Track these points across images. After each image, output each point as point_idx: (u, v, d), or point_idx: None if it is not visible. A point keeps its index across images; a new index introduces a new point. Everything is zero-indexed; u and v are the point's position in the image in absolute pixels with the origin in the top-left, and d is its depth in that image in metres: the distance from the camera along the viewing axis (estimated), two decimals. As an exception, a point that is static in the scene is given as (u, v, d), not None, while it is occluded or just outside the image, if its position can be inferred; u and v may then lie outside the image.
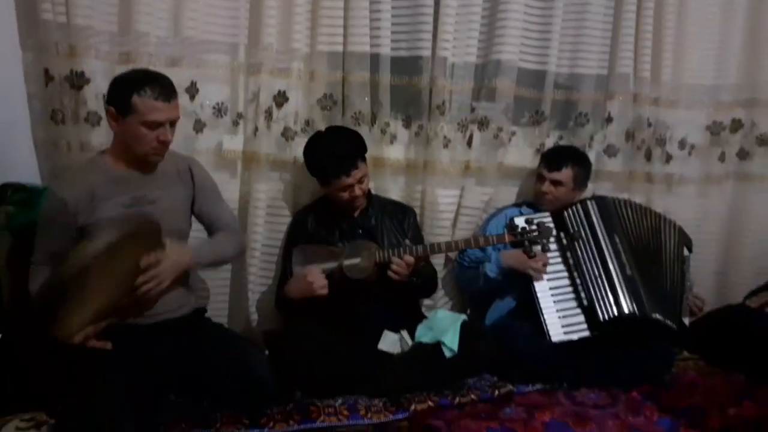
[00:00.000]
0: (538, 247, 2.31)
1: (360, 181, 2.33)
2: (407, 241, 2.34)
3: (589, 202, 2.56)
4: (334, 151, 2.31)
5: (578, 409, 2.15)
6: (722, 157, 3.09)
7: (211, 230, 2.17)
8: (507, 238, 2.32)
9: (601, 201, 2.59)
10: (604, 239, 2.48)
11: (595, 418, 2.08)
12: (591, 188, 2.86)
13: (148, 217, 1.84)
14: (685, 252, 2.65)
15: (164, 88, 1.88)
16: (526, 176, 2.86)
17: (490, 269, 2.51)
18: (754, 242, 3.15)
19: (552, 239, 2.35)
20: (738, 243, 3.16)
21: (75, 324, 1.71)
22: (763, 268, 3.07)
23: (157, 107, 1.85)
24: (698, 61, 2.97)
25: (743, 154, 3.10)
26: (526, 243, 2.29)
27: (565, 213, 2.55)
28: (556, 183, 2.59)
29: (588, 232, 2.50)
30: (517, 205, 2.78)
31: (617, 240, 2.48)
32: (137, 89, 1.84)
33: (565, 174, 2.59)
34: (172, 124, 1.93)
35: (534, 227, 2.29)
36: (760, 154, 3.08)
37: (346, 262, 2.27)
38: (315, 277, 2.21)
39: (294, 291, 2.27)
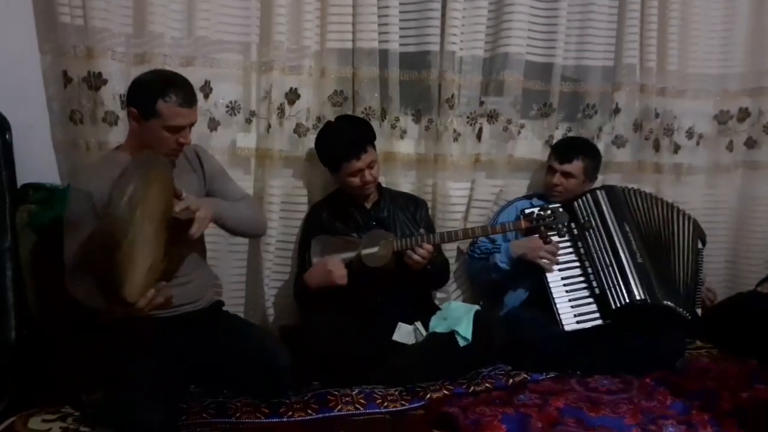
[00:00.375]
0: (554, 235, 2.34)
1: (370, 167, 2.37)
2: (422, 230, 2.38)
3: (598, 192, 2.59)
4: (344, 135, 2.38)
5: (591, 394, 2.18)
6: (730, 147, 3.11)
7: None
8: (523, 224, 2.35)
9: (610, 190, 2.61)
10: (614, 228, 2.51)
11: (608, 403, 2.10)
12: (601, 179, 2.88)
13: (154, 153, 1.82)
14: (699, 245, 2.67)
15: (187, 94, 1.91)
16: (536, 169, 2.89)
17: (500, 260, 2.54)
18: (764, 230, 3.16)
19: (565, 225, 2.38)
20: (748, 231, 3.17)
21: (136, 282, 1.68)
22: (774, 257, 3.08)
23: (181, 113, 1.89)
24: (703, 51, 3.00)
25: (751, 143, 3.12)
26: (542, 228, 2.32)
27: (575, 203, 2.58)
28: (566, 175, 2.62)
29: (598, 221, 2.53)
30: (527, 197, 2.81)
31: (627, 228, 2.51)
32: (162, 95, 1.86)
33: (576, 166, 2.62)
34: (191, 126, 1.98)
35: (549, 212, 2.33)
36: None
37: (365, 252, 2.32)
38: (335, 266, 2.26)
39: (313, 279, 2.31)
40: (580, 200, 2.58)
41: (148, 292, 1.73)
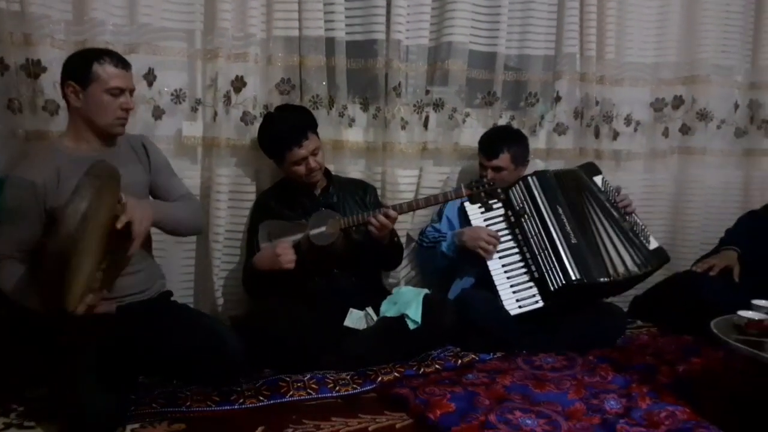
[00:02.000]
0: (495, 202, 2.44)
1: (314, 154, 2.39)
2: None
3: (529, 178, 2.64)
4: (284, 124, 2.39)
5: (537, 372, 2.25)
6: (666, 133, 3.23)
7: None
8: (464, 191, 2.39)
9: (542, 175, 2.66)
10: (546, 212, 2.57)
11: (553, 379, 2.17)
12: (543, 166, 2.97)
13: (108, 163, 1.80)
14: (599, 179, 2.73)
15: (120, 58, 1.96)
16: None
17: (445, 247, 2.60)
18: (699, 213, 3.29)
19: (504, 189, 2.45)
20: (684, 214, 3.29)
21: (77, 293, 1.67)
22: (709, 238, 3.19)
23: (118, 74, 1.92)
24: (639, 40, 3.12)
25: (685, 129, 3.24)
26: (482, 195, 2.38)
27: (510, 191, 2.63)
28: (497, 169, 2.66)
29: (531, 207, 2.59)
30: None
31: (560, 211, 2.57)
32: (96, 59, 1.90)
33: (503, 159, 2.66)
34: (131, 93, 1.98)
35: (487, 180, 2.39)
36: (701, 128, 3.22)
37: (313, 232, 2.33)
38: (284, 250, 2.26)
39: (262, 263, 2.31)
40: (514, 188, 2.64)
41: (87, 298, 1.72)
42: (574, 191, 2.65)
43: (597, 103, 3.05)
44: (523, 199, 2.61)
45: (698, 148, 3.25)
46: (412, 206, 2.46)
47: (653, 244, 2.67)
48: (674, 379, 2.20)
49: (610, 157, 3.12)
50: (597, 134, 3.08)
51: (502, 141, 2.70)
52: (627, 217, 2.66)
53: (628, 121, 3.15)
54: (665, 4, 3.12)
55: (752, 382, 1.96)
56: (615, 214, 2.63)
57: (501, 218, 2.64)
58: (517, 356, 2.39)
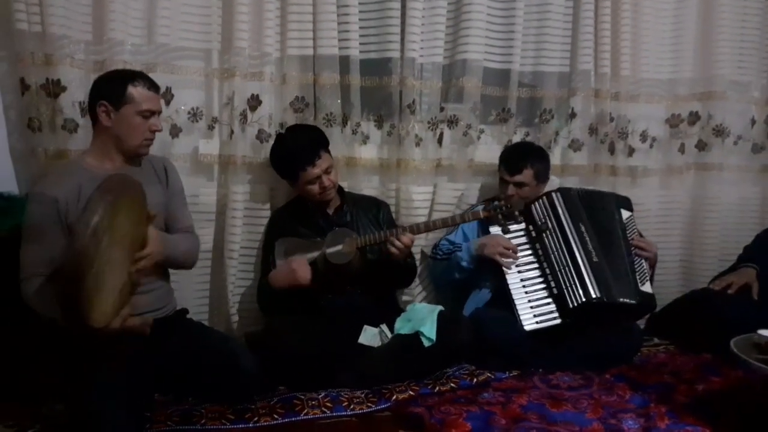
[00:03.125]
0: (512, 223, 2.44)
1: (327, 172, 2.40)
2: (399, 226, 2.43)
3: (554, 194, 2.63)
4: (296, 144, 2.40)
5: (553, 391, 2.23)
6: (682, 149, 3.21)
7: (170, 233, 2.17)
8: (481, 213, 2.40)
9: (566, 192, 2.67)
10: (569, 229, 2.56)
11: (570, 399, 2.15)
12: (558, 182, 2.95)
13: (123, 175, 1.82)
14: (626, 214, 2.72)
15: (151, 81, 2.01)
16: (496, 172, 2.92)
17: (462, 258, 2.58)
18: (716, 230, 3.26)
19: (522, 211, 2.45)
20: (701, 231, 3.26)
21: (104, 311, 1.67)
22: (726, 255, 3.17)
23: (150, 97, 1.98)
24: (655, 57, 3.11)
25: (701, 146, 3.22)
26: (500, 217, 2.38)
27: (532, 206, 2.63)
28: (519, 185, 2.65)
29: (554, 223, 2.58)
30: (489, 200, 2.86)
31: (582, 229, 2.57)
32: (131, 81, 1.95)
33: (526, 175, 2.65)
34: (159, 114, 2.03)
35: (503, 202, 2.40)
36: (717, 144, 3.20)
37: (329, 250, 2.34)
38: (299, 265, 2.27)
39: (278, 280, 2.32)
40: (536, 203, 2.63)
41: (122, 311, 1.73)
42: (601, 212, 2.65)
43: (612, 119, 3.04)
44: (545, 214, 2.60)
45: (715, 164, 3.22)
46: (429, 227, 2.47)
47: (647, 288, 2.64)
48: (693, 399, 2.17)
49: (625, 174, 3.11)
50: (612, 150, 3.07)
51: (526, 157, 2.69)
52: (635, 254, 2.65)
53: (643, 137, 3.14)
54: (680, 20, 3.12)
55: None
56: (622, 247, 2.61)
57: (521, 232, 2.63)
58: (534, 375, 2.37)
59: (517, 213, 2.40)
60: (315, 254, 2.34)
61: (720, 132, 3.19)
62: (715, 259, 3.22)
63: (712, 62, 3.15)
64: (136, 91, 1.95)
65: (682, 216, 3.27)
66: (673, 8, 3.10)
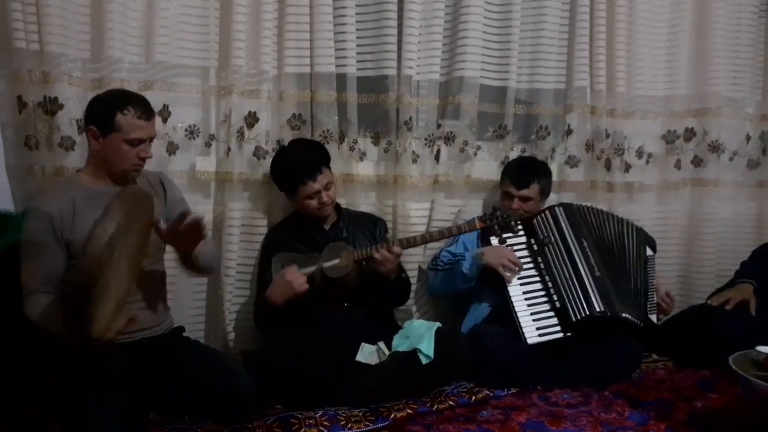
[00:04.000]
0: (510, 237, 2.45)
1: (327, 188, 2.40)
2: (388, 235, 2.45)
3: (557, 209, 2.66)
4: (298, 158, 2.41)
5: (552, 408, 2.22)
6: (678, 165, 3.23)
7: None
8: (478, 224, 2.40)
9: (568, 207, 2.69)
10: (573, 243, 2.57)
11: (569, 416, 2.14)
12: (555, 198, 2.96)
13: (139, 188, 1.85)
14: (648, 252, 2.75)
15: (145, 106, 1.96)
16: (492, 189, 2.96)
17: (465, 266, 2.57)
18: (713, 245, 3.27)
19: (518, 222, 2.45)
20: (698, 246, 3.27)
21: (105, 319, 1.66)
22: (723, 270, 3.18)
23: (140, 125, 1.93)
24: (650, 73, 3.14)
25: (697, 161, 3.24)
26: (496, 227, 2.38)
27: (534, 220, 2.65)
28: (525, 199, 2.67)
29: (557, 236, 2.60)
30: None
31: (585, 244, 2.58)
32: (120, 108, 1.91)
33: (533, 190, 2.67)
34: (150, 140, 2.00)
35: (499, 212, 2.39)
36: (713, 160, 3.22)
37: (326, 264, 2.34)
38: (294, 275, 2.26)
39: (275, 294, 2.29)
40: (539, 217, 2.65)
41: (115, 323, 1.71)
42: (609, 231, 2.68)
43: (608, 135, 3.06)
44: (548, 228, 2.61)
45: (711, 179, 3.24)
46: (425, 239, 2.47)
47: (653, 318, 2.66)
48: (692, 416, 2.16)
49: (622, 190, 3.12)
50: (609, 167, 3.08)
51: (533, 172, 2.71)
52: (652, 281, 2.68)
53: (639, 153, 3.15)
54: (675, 37, 3.15)
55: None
56: (640, 275, 2.64)
57: (523, 245, 2.63)
58: (532, 392, 2.36)
59: (513, 224, 2.40)
60: (312, 268, 2.34)
61: (716, 148, 3.20)
62: (712, 275, 3.23)
63: (707, 79, 3.18)
64: (124, 120, 1.90)
65: (678, 232, 3.28)
66: (667, 26, 3.14)
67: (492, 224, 2.38)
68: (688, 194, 3.27)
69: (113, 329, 1.70)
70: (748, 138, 3.30)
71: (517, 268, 2.54)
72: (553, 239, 2.59)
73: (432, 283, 2.78)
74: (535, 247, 2.61)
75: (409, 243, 2.40)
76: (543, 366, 2.44)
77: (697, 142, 3.23)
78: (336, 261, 2.34)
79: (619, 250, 2.67)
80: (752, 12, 3.26)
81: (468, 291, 2.63)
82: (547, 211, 2.66)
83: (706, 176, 3.24)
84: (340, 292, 2.37)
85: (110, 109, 1.91)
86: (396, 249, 2.33)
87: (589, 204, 2.86)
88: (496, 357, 2.39)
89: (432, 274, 2.76)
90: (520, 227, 2.47)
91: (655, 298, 2.69)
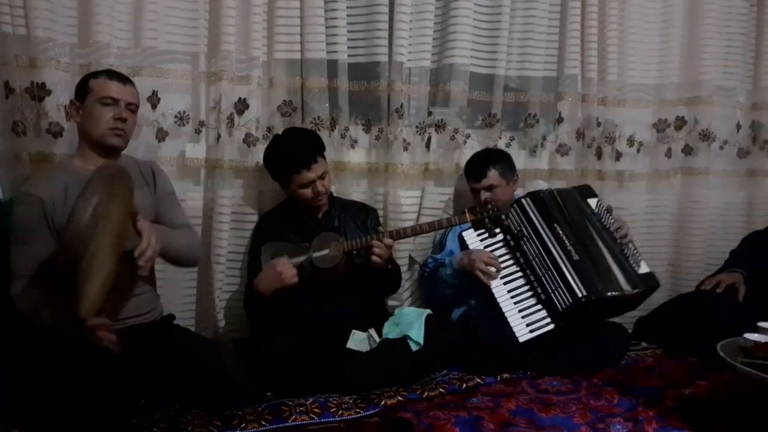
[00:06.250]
0: (499, 232, 2.46)
1: (321, 177, 2.39)
2: (380, 228, 2.41)
3: (523, 200, 2.61)
4: (293, 147, 2.39)
5: (542, 395, 2.23)
6: (669, 153, 3.23)
7: None
8: (468, 216, 2.39)
9: (535, 196, 2.63)
10: (545, 232, 2.53)
11: (558, 403, 2.15)
12: (546, 186, 2.96)
13: (117, 164, 1.86)
14: (593, 202, 2.69)
15: (119, 74, 2.03)
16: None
17: (445, 273, 2.59)
18: (703, 233, 3.28)
19: (508, 215, 2.45)
20: (688, 235, 3.28)
21: (89, 300, 1.65)
22: (713, 258, 3.19)
23: (110, 85, 1.99)
24: (641, 62, 3.13)
25: (688, 150, 3.25)
26: (487, 221, 2.37)
27: (504, 216, 2.59)
28: (489, 188, 2.67)
29: (529, 228, 2.56)
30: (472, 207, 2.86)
31: (558, 229, 2.53)
32: (94, 75, 2.02)
33: (492, 177, 2.67)
34: (131, 108, 2.01)
35: (491, 204, 2.38)
36: (704, 149, 3.22)
37: (315, 254, 2.33)
38: (284, 267, 2.25)
39: (264, 284, 2.29)
40: (510, 212, 2.60)
41: (102, 319, 1.72)
42: (572, 209, 2.62)
43: (599, 124, 3.05)
44: (519, 221, 2.58)
45: (701, 168, 3.24)
46: (416, 230, 2.45)
47: (644, 269, 2.61)
48: (681, 403, 2.17)
49: (613, 178, 3.12)
50: (599, 155, 3.08)
51: (487, 160, 2.71)
52: (619, 240, 2.62)
53: (630, 141, 3.16)
54: (666, 26, 3.15)
55: (759, 405, 1.94)
56: (605, 235, 2.59)
57: (500, 243, 2.61)
58: (522, 379, 2.38)
59: (503, 217, 2.38)
60: (301, 258, 2.33)
61: (706, 137, 3.21)
62: (702, 263, 3.24)
63: (698, 67, 3.18)
64: (96, 82, 1.98)
65: (669, 220, 3.29)
66: (659, 14, 3.13)
67: (482, 217, 2.37)
68: (678, 183, 3.28)
69: (98, 310, 1.69)
70: (739, 127, 3.31)
71: (494, 269, 2.52)
72: (525, 232, 2.55)
73: (422, 287, 2.81)
74: (512, 243, 2.59)
75: (399, 234, 2.39)
76: (532, 354, 2.44)
77: (688, 131, 3.23)
78: (325, 251, 2.34)
79: (583, 224, 2.59)
80: (743, 1, 3.25)
81: (456, 293, 2.64)
82: (515, 204, 2.62)
83: (697, 165, 3.24)
84: (329, 282, 2.37)
85: (86, 78, 2.03)
86: (387, 241, 2.33)
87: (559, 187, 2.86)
88: (488, 340, 2.40)
89: (421, 279, 2.79)
90: (509, 220, 2.46)
91: (632, 246, 2.64)
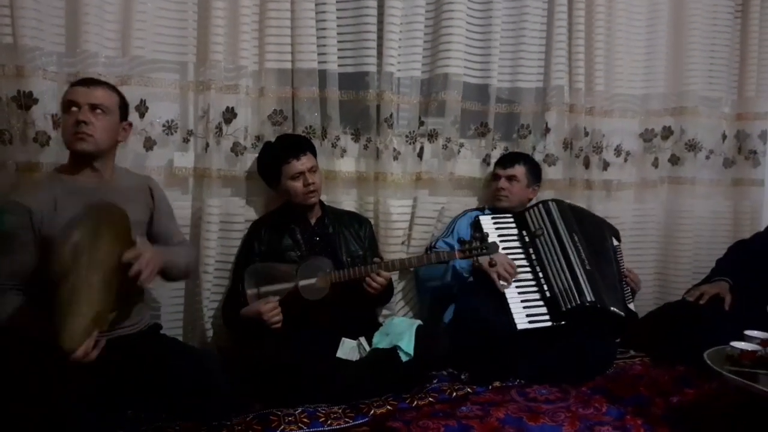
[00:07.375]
0: (503, 226, 2.61)
1: (311, 171, 2.41)
2: (360, 267, 2.38)
3: (550, 203, 2.73)
4: (283, 140, 2.47)
5: (531, 404, 2.23)
6: (656, 163, 3.27)
7: None
8: (457, 254, 2.41)
9: (560, 203, 2.77)
10: (565, 236, 2.64)
11: (547, 412, 2.16)
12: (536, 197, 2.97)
13: (112, 204, 1.83)
14: (615, 242, 2.83)
15: (92, 80, 2.02)
16: (477, 186, 3.00)
17: (459, 265, 2.59)
18: (690, 242, 3.31)
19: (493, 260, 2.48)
20: (675, 244, 3.31)
21: (75, 334, 1.63)
22: (699, 267, 3.21)
23: (73, 90, 1.97)
24: (628, 72, 3.17)
25: (675, 160, 3.28)
26: (475, 258, 2.39)
27: (527, 213, 2.71)
28: (510, 178, 2.77)
29: (550, 229, 2.67)
30: (479, 208, 2.91)
31: (576, 238, 2.65)
32: (70, 87, 2.00)
33: (518, 169, 2.78)
34: (99, 110, 1.94)
35: (482, 243, 2.38)
36: (690, 159, 3.26)
37: (302, 284, 2.32)
38: (268, 314, 2.24)
39: (249, 316, 2.29)
40: (532, 210, 2.72)
41: (87, 341, 1.68)
42: (594, 229, 2.76)
43: (587, 134, 3.08)
44: (541, 219, 2.69)
45: (688, 178, 3.28)
46: (404, 264, 2.48)
47: (632, 307, 2.74)
48: (668, 411, 2.19)
49: (600, 188, 3.14)
50: (587, 165, 3.11)
51: (521, 156, 2.86)
52: (624, 279, 2.76)
53: (618, 151, 3.18)
54: (652, 37, 3.18)
55: (746, 413, 1.95)
56: (615, 265, 2.73)
57: (515, 237, 2.69)
58: (512, 388, 2.38)
59: (491, 258, 2.43)
60: (287, 286, 2.31)
61: (692, 147, 3.24)
62: (689, 272, 3.27)
63: (684, 78, 3.22)
64: (67, 92, 1.97)
65: (656, 229, 3.32)
66: (645, 25, 3.17)
67: (471, 255, 2.39)
68: (665, 192, 3.31)
69: (85, 348, 1.67)
70: (724, 137, 3.35)
71: (513, 274, 2.55)
72: (545, 231, 2.65)
73: (424, 272, 2.79)
74: (527, 239, 2.69)
75: (387, 267, 2.39)
76: (521, 356, 2.47)
77: (675, 141, 3.27)
78: (313, 281, 2.32)
79: (600, 245, 2.73)
80: (728, 12, 3.30)
81: (456, 289, 2.66)
82: (540, 205, 2.73)
83: (683, 174, 3.28)
84: (315, 310, 2.34)
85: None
86: (385, 274, 2.35)
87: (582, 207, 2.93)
88: (490, 323, 2.43)
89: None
90: (495, 262, 2.49)
91: (628, 287, 2.76)
